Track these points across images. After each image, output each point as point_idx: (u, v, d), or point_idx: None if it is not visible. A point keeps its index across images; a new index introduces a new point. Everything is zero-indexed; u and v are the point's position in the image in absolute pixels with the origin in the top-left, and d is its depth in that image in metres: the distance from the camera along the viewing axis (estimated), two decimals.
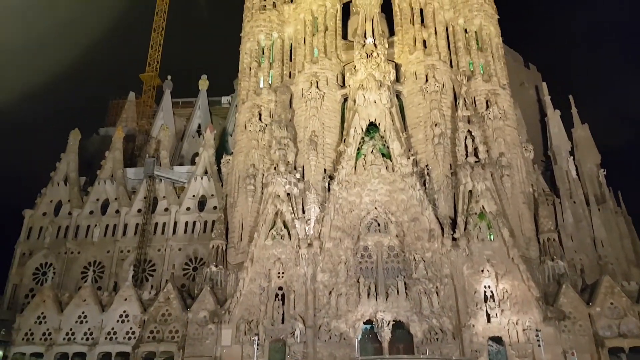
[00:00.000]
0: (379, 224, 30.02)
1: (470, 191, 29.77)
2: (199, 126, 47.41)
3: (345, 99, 34.06)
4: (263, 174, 32.38)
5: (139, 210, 38.58)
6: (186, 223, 37.93)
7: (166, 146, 42.72)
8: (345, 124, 32.95)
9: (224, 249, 32.01)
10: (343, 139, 32.25)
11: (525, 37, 67.39)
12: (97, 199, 40.04)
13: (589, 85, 65.48)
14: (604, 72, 72.34)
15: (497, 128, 32.68)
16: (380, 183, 30.40)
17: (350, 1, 38.05)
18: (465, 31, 36.31)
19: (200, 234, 37.15)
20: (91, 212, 39.40)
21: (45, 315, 30.64)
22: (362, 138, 31.53)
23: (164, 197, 39.23)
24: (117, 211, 39.06)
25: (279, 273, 29.15)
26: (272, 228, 30.06)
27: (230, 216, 33.17)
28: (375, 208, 30.12)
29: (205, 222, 37.44)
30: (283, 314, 28.24)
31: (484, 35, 35.99)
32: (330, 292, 28.30)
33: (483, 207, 29.26)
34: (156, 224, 38.12)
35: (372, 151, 30.99)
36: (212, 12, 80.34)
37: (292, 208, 30.31)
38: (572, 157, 39.30)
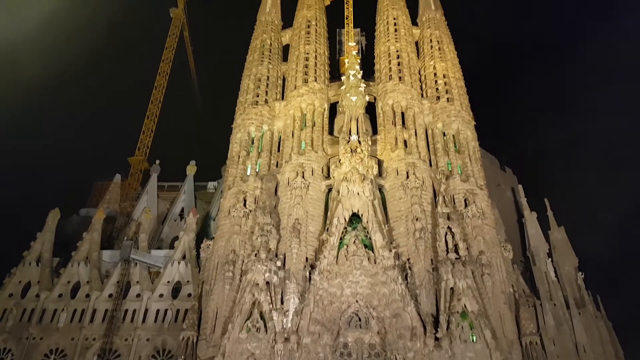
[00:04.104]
0: (359, 319, 29.12)
1: (452, 288, 29.55)
2: (182, 210, 47.27)
3: (330, 190, 35.08)
4: (243, 261, 31.97)
5: (110, 295, 36.92)
6: (157, 311, 36.08)
7: (146, 229, 42.16)
8: (329, 213, 33.50)
9: (194, 341, 30.38)
10: (326, 228, 32.53)
11: (501, 142, 71.67)
12: (69, 282, 38.32)
13: (565, 189, 68.38)
14: (579, 177, 76.02)
15: (476, 226, 33.48)
16: (362, 275, 30.08)
17: (337, 102, 40.88)
18: (444, 134, 38.73)
19: (171, 323, 35.21)
20: (60, 296, 37.48)
21: None
22: (345, 228, 31.87)
23: (137, 282, 37.81)
24: (88, 295, 37.27)
25: None
26: (247, 319, 28.90)
27: (204, 305, 31.97)
28: (357, 301, 29.44)
29: (178, 311, 35.70)
30: None
31: (461, 138, 38.36)
32: None
33: (465, 306, 28.89)
34: (126, 310, 36.23)
35: (354, 241, 31.10)
36: (205, 102, 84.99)
37: (271, 298, 29.50)
38: (550, 259, 39.80)
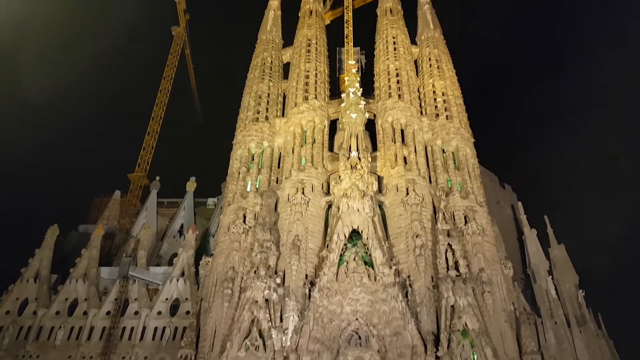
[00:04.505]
0: (359, 337, 28.78)
1: (452, 306, 29.35)
2: (182, 226, 47.12)
3: (330, 206, 35.13)
4: (242, 278, 31.77)
5: (108, 313, 36.59)
6: (155, 329, 35.71)
7: (145, 246, 42.00)
8: (329, 229, 33.45)
9: (192, 359, 30.05)
10: (326, 245, 32.46)
11: (500, 159, 71.80)
12: (66, 299, 38.02)
13: (564, 206, 68.21)
14: (579, 193, 75.95)
15: (476, 243, 33.39)
16: (362, 292, 29.88)
17: (337, 119, 41.21)
18: (443, 151, 38.95)
19: (169, 341, 34.82)
20: (57, 313, 37.15)
21: None
22: (345, 245, 31.79)
23: (135, 299, 37.53)
24: (85, 313, 36.98)
25: None
26: (246, 337, 28.61)
27: (203, 322, 31.67)
28: (357, 319, 29.15)
29: (176, 329, 35.35)
30: None
31: (460, 156, 38.56)
32: None
33: (466, 324, 28.63)
34: (124, 328, 35.86)
35: (354, 258, 30.99)
36: (205, 119, 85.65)
37: (270, 315, 29.24)
38: (550, 277, 39.58)
